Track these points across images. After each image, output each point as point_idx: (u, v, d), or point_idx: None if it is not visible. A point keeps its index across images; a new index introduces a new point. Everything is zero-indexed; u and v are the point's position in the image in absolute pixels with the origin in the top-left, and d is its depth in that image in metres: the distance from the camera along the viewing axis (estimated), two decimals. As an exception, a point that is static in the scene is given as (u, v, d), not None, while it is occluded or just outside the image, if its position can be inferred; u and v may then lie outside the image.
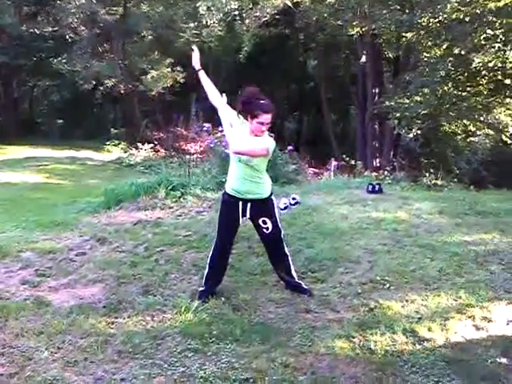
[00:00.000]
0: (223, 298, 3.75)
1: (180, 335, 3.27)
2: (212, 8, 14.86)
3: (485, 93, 12.40)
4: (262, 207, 3.69)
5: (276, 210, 3.77)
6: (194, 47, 3.91)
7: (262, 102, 3.50)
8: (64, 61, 17.94)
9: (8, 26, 18.43)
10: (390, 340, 3.22)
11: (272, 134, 7.49)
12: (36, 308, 3.58)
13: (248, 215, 3.69)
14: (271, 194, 3.76)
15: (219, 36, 16.87)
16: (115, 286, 3.99)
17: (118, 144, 16.48)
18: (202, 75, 3.83)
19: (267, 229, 3.70)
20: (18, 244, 4.84)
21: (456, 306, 3.63)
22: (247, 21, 15.17)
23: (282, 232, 3.84)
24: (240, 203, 3.66)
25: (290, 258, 3.87)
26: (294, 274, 3.88)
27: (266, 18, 15.09)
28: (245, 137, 3.56)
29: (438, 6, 11.43)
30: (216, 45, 17.84)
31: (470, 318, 3.48)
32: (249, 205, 3.65)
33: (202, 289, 3.81)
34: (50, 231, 5.41)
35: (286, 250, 3.86)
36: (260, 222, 3.70)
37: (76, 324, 3.38)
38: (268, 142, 3.54)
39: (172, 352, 3.10)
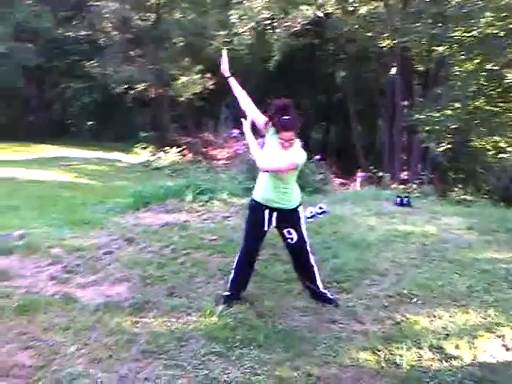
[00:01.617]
0: (248, 304, 3.73)
1: (204, 338, 3.27)
2: (244, 17, 15.01)
3: (517, 109, 12.19)
4: (288, 217, 3.68)
5: (302, 222, 3.74)
6: (224, 51, 3.91)
7: (284, 118, 3.44)
8: (96, 64, 18.33)
9: (44, 29, 18.93)
10: (416, 355, 3.17)
11: (301, 142, 7.53)
12: (64, 304, 3.63)
13: (274, 224, 3.68)
14: (299, 206, 3.73)
15: (249, 44, 17.00)
16: (141, 286, 4.01)
17: (147, 147, 16.68)
18: (233, 82, 3.83)
19: (291, 239, 3.69)
20: (48, 240, 4.91)
21: (485, 324, 3.55)
22: (278, 30, 15.27)
23: (308, 243, 3.79)
24: (266, 211, 3.65)
25: (316, 269, 3.84)
26: (319, 283, 3.84)
27: (296, 28, 15.18)
28: (274, 150, 3.55)
29: (472, 21, 11.33)
30: (246, 53, 17.98)
31: (499, 337, 3.39)
32: (275, 214, 3.64)
33: (227, 293, 3.80)
34: (78, 229, 5.49)
35: (312, 260, 3.82)
36: (285, 231, 3.69)
37: (102, 321, 3.41)
38: (297, 157, 3.51)
39: (196, 354, 3.10)
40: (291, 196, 3.66)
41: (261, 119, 3.68)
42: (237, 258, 3.83)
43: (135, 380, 2.81)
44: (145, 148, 16.45)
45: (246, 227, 3.82)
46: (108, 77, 18.07)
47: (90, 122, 21.70)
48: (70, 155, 15.38)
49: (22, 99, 21.01)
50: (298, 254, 3.80)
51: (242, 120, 3.68)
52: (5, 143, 16.61)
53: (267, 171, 3.56)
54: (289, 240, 3.71)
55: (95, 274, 4.21)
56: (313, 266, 3.81)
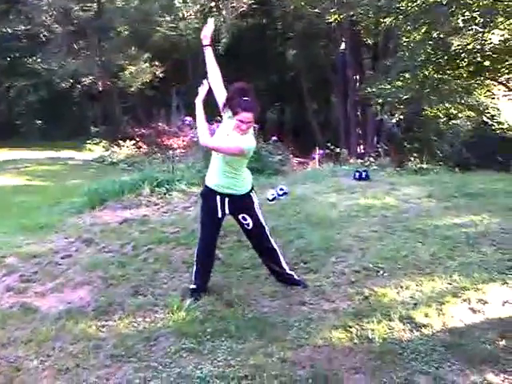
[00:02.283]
0: (215, 295, 3.67)
1: (173, 335, 3.19)
2: (188, 0, 14.68)
3: (465, 75, 12.43)
4: (241, 203, 3.62)
5: (257, 207, 3.67)
6: (211, 19, 3.72)
7: (244, 99, 3.38)
8: (39, 60, 17.62)
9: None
10: (388, 328, 3.18)
11: (255, 125, 7.45)
12: (23, 315, 3.47)
13: (227, 211, 3.62)
14: (250, 191, 3.66)
15: (196, 28, 16.68)
16: (104, 288, 3.88)
17: (100, 142, 16.26)
18: (208, 52, 3.67)
19: (248, 225, 3.64)
20: (1, 249, 4.69)
21: (451, 289, 3.60)
22: (224, 12, 15.04)
23: (267, 228, 3.74)
24: (218, 198, 3.58)
25: (279, 252, 3.80)
26: (284, 265, 3.81)
27: (243, 9, 14.99)
28: (225, 132, 3.49)
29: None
30: (194, 37, 17.64)
31: (465, 301, 3.45)
32: (227, 200, 3.58)
33: (192, 286, 3.72)
34: (33, 235, 5.27)
35: (274, 244, 3.78)
36: (240, 217, 3.64)
37: (65, 330, 3.28)
38: (244, 142, 3.42)
39: (166, 353, 3.02)
40: (241, 182, 3.60)
41: (222, 98, 3.57)
42: (196, 248, 3.75)
43: (105, 387, 2.71)
44: (98, 143, 16.03)
45: (201, 216, 3.75)
46: (52, 72, 17.42)
47: (39, 121, 20.90)
48: (19, 157, 14.78)
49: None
50: (258, 239, 3.75)
51: (198, 89, 3.55)
52: None
53: (208, 147, 3.50)
54: (245, 226, 3.66)
55: (54, 280, 4.04)
56: (275, 250, 3.77)
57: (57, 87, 18.10)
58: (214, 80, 3.65)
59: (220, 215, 3.62)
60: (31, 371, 2.83)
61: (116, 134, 16.93)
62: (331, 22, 14.48)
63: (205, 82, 3.60)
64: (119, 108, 19.05)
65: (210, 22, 3.77)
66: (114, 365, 2.91)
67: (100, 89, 18.18)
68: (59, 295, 3.81)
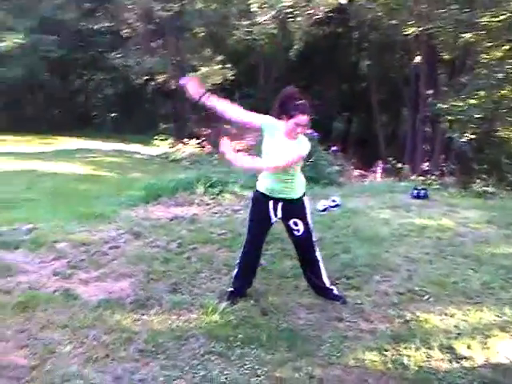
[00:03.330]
0: (252, 301, 3.64)
1: (204, 337, 3.19)
2: (264, 5, 14.76)
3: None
4: (294, 208, 3.56)
5: (308, 213, 3.62)
6: (189, 78, 3.56)
7: (299, 102, 3.35)
8: (119, 55, 18.36)
9: (68, 21, 19.06)
10: (425, 356, 3.03)
11: (316, 134, 7.35)
12: (64, 300, 3.58)
13: (279, 215, 3.56)
14: (303, 196, 3.61)
15: (271, 34, 16.77)
16: (145, 282, 3.94)
17: (166, 139, 16.66)
18: (210, 99, 3.46)
19: (298, 231, 3.57)
20: (55, 234, 4.89)
21: (499, 323, 3.37)
22: (299, 18, 14.98)
23: (314, 237, 3.68)
24: (271, 202, 3.54)
25: (321, 264, 3.71)
26: (325, 279, 3.71)
27: (318, 16, 14.84)
28: (278, 144, 3.41)
29: (502, 5, 10.89)
30: (267, 43, 17.77)
31: (514, 337, 3.22)
32: (280, 205, 3.53)
33: (230, 289, 3.71)
34: (87, 223, 5.44)
35: (318, 255, 3.70)
36: (291, 223, 3.57)
37: (101, 319, 3.35)
38: (304, 148, 3.39)
39: (195, 354, 3.02)
40: (295, 186, 3.54)
41: (257, 118, 3.50)
42: (241, 252, 3.72)
43: (130, 381, 2.74)
44: (164, 140, 16.44)
45: (250, 220, 3.70)
46: (129, 68, 18.09)
47: (112, 114, 21.82)
48: (91, 147, 15.48)
49: (46, 91, 21.24)
50: (305, 247, 3.67)
51: (221, 142, 3.26)
52: (29, 135, 16.85)
53: (279, 169, 3.40)
54: (295, 232, 3.58)
55: (99, 269, 4.16)
56: (318, 261, 3.69)
57: (132, 83, 18.79)
58: (234, 112, 3.51)
59: (273, 220, 3.58)
60: (63, 356, 2.90)
61: (183, 132, 17.32)
62: (408, 35, 14.11)
63: (223, 140, 3.29)
64: (188, 107, 19.48)
65: (192, 80, 3.57)
66: (142, 359, 2.94)
67: (172, 87, 18.66)
68: (101, 284, 3.90)
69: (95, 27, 19.33)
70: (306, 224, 3.57)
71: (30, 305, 3.44)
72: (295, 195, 3.55)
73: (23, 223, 5.20)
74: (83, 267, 4.18)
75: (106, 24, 19.81)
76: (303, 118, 3.33)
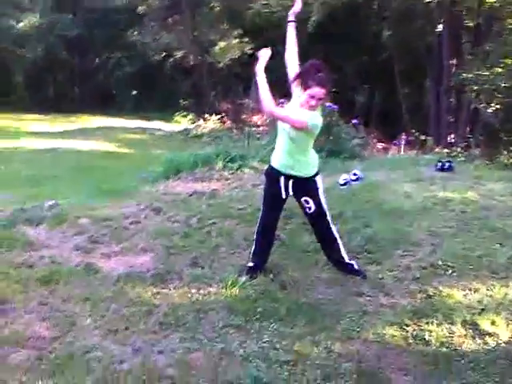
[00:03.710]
0: (271, 275, 3.61)
1: (224, 310, 3.19)
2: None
3: None
4: (305, 186, 3.51)
5: (321, 192, 3.55)
6: None
7: (319, 74, 3.27)
8: (136, 33, 18.27)
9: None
10: (448, 331, 2.97)
11: (335, 107, 7.22)
12: (86, 274, 3.63)
13: (290, 192, 3.52)
14: (316, 175, 3.53)
15: (288, 6, 16.41)
16: (165, 256, 3.96)
17: (187, 115, 16.63)
18: (290, 27, 3.60)
19: (309, 208, 3.52)
20: (77, 210, 4.93)
21: (526, 298, 3.28)
22: (317, -11, 14.64)
23: (329, 215, 3.60)
24: (282, 179, 3.49)
25: (339, 241, 3.65)
26: (344, 254, 3.66)
27: (337, -14, 14.48)
28: (294, 108, 3.38)
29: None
30: (284, 15, 17.39)
31: (540, 312, 3.13)
32: (291, 181, 3.48)
33: (250, 264, 3.69)
34: (109, 199, 5.50)
35: (335, 232, 3.64)
36: (302, 200, 3.53)
37: (122, 292, 3.38)
38: (309, 117, 3.28)
39: (214, 327, 3.03)
40: (306, 164, 3.49)
41: (294, 72, 3.47)
42: (257, 227, 3.70)
43: (149, 353, 2.76)
44: (185, 116, 16.42)
45: (264, 195, 3.70)
46: (147, 45, 18.02)
47: (133, 92, 21.82)
48: (112, 125, 15.61)
49: (65, 71, 21.35)
50: (318, 224, 3.64)
51: (259, 53, 3.44)
52: (50, 115, 17.03)
53: (271, 114, 3.41)
54: (307, 209, 3.55)
55: (120, 243, 4.19)
56: (335, 238, 3.64)
57: (150, 60, 18.72)
58: (291, 57, 3.56)
59: (284, 196, 3.54)
60: (84, 328, 2.95)
61: (203, 108, 17.23)
62: (430, 2, 13.66)
63: (264, 50, 3.46)
64: (208, 83, 19.36)
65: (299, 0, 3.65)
66: (161, 332, 2.96)
67: (191, 63, 18.53)
68: (122, 258, 3.94)
69: (111, 5, 19.24)
70: (317, 202, 3.51)
71: (53, 278, 3.51)
72: (307, 173, 3.49)
73: (46, 199, 5.27)
74: (104, 242, 4.22)
75: (123, 1, 19.69)
76: (318, 91, 3.26)
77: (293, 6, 3.72)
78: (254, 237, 3.74)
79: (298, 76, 3.38)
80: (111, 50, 20.55)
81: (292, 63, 3.54)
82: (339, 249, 3.65)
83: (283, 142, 3.46)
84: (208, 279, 3.60)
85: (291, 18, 3.63)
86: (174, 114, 16.85)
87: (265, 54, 3.41)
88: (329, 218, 3.61)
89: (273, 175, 3.58)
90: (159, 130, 15.43)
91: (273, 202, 3.62)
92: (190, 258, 3.94)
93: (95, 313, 3.11)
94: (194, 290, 3.44)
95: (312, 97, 3.26)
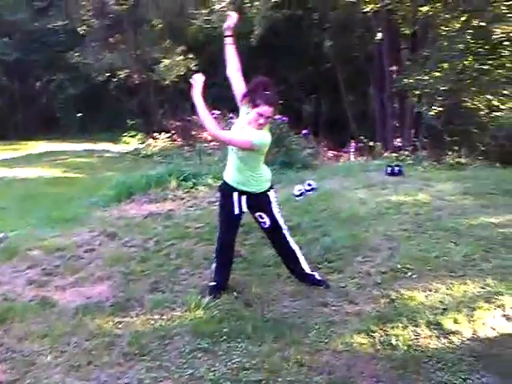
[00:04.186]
0: (235, 293, 3.57)
1: (189, 334, 3.12)
2: (221, -9, 14.55)
3: (508, 65, 11.89)
4: (257, 202, 3.51)
5: (274, 206, 3.54)
6: (233, 13, 3.64)
7: (266, 93, 3.30)
8: (77, 54, 17.92)
9: (20, 21, 18.48)
10: (413, 334, 3.01)
11: (285, 119, 7.30)
12: (41, 309, 3.47)
13: (244, 208, 3.51)
14: (269, 190, 3.54)
15: (231, 21, 16.53)
16: (123, 283, 3.85)
17: (136, 135, 16.39)
18: (229, 43, 3.58)
19: (264, 223, 3.53)
20: (27, 242, 4.73)
21: (484, 294, 3.38)
22: (257, 3, 14.84)
23: (285, 229, 3.61)
24: (235, 194, 3.48)
25: (298, 253, 3.66)
26: (304, 266, 3.67)
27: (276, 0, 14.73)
28: (241, 126, 3.40)
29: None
30: (227, 30, 17.51)
31: (499, 307, 3.22)
32: (244, 197, 3.47)
33: (212, 284, 3.64)
34: (60, 227, 5.31)
35: (293, 245, 3.65)
36: (257, 215, 3.55)
37: (82, 325, 3.25)
38: (255, 137, 3.29)
39: (181, 353, 2.95)
40: (258, 180, 3.48)
41: (241, 90, 3.47)
42: (216, 245, 3.66)
43: (116, 386, 2.65)
44: (133, 136, 16.16)
45: (219, 212, 3.67)
46: (90, 66, 17.69)
47: (77, 114, 21.32)
48: (58, 149, 15.14)
49: (5, 97, 20.62)
50: (275, 237, 3.64)
51: (193, 77, 3.39)
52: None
53: (214, 137, 3.43)
54: (262, 224, 3.55)
55: (75, 274, 4.03)
56: (294, 251, 3.64)
57: (94, 81, 18.37)
58: (233, 72, 3.56)
59: (237, 211, 3.51)
60: (44, 367, 2.80)
61: (151, 127, 17.03)
62: (367, 12, 14.12)
63: (197, 75, 3.42)
64: (155, 101, 19.18)
65: (233, 14, 3.67)
66: (126, 363, 2.85)
67: (136, 82, 18.33)
68: (79, 289, 3.79)
69: (49, 26, 18.80)
70: (271, 217, 3.52)
71: (6, 317, 3.33)
72: (259, 188, 3.49)
73: (-6, 232, 5.02)
74: (59, 273, 4.05)
75: (61, 22, 19.28)
76: (266, 109, 3.28)
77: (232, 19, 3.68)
78: (214, 255, 3.69)
79: (246, 94, 3.38)
80: (52, 72, 20.01)
81: (235, 78, 3.54)
82: (299, 261, 3.65)
83: (233, 159, 3.46)
84: (170, 303, 3.51)
85: (227, 32, 3.60)
86: (121, 135, 16.56)
87: (198, 80, 3.37)
88: (285, 231, 3.61)
89: (226, 191, 3.56)
90: (107, 151, 15.09)
91: (228, 219, 3.59)
92: (149, 283, 3.84)
93: (55, 349, 2.96)
94: (156, 316, 3.35)
95: (261, 115, 3.28)
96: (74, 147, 15.46)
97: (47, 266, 4.19)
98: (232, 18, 3.63)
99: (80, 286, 3.84)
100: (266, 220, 3.51)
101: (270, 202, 3.52)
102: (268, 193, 3.52)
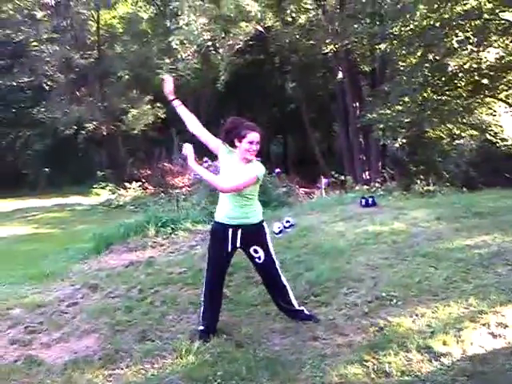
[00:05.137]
0: (225, 335, 3.55)
1: (183, 380, 3.06)
2: (185, 41, 14.94)
3: (464, 95, 12.48)
4: (253, 235, 3.55)
5: (268, 239, 3.61)
6: (165, 76, 3.77)
7: (247, 123, 3.45)
8: (43, 109, 17.94)
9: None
10: (405, 359, 3.05)
11: (258, 158, 7.43)
12: (28, 368, 3.35)
13: (238, 244, 3.53)
14: (263, 221, 3.61)
15: (195, 68, 16.94)
16: (110, 335, 3.76)
17: (106, 186, 16.29)
18: (177, 104, 3.67)
19: (259, 258, 3.55)
20: (7, 301, 4.60)
21: (468, 314, 3.47)
22: (221, 50, 15.27)
23: (277, 263, 3.66)
24: (230, 231, 3.50)
25: (288, 288, 3.69)
26: (293, 301, 3.69)
27: (239, 46, 15.20)
28: (232, 167, 3.45)
29: (408, 15, 11.58)
30: (193, 77, 17.90)
31: (484, 325, 3.32)
32: (239, 233, 3.50)
33: (201, 328, 3.61)
34: (39, 283, 5.18)
35: (284, 280, 3.68)
36: (251, 251, 3.55)
37: (71, 381, 3.15)
38: (257, 170, 3.43)
39: (175, 401, 2.89)
40: (254, 210, 3.55)
41: (213, 140, 3.56)
42: (203, 288, 3.64)
43: None
44: (104, 187, 16.06)
45: (210, 253, 3.65)
46: (56, 120, 17.70)
47: (45, 169, 21.11)
48: (27, 206, 14.91)
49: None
50: (268, 274, 3.65)
51: (184, 147, 3.49)
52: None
53: (233, 191, 3.42)
54: (256, 259, 3.57)
55: (60, 329, 3.93)
56: (285, 286, 3.67)
57: (61, 135, 18.35)
58: (196, 128, 3.62)
59: (230, 249, 3.53)
60: (36, 429, 2.71)
61: (122, 177, 17.01)
62: (327, 53, 14.69)
63: (185, 145, 3.51)
64: (124, 151, 19.24)
65: (168, 78, 3.75)
66: (121, 417, 2.79)
67: (104, 133, 18.39)
68: (65, 345, 3.69)
69: (14, 83, 18.84)
70: (266, 250, 3.55)
71: (-9, 380, 3.20)
72: (255, 219, 3.54)
73: (-31, 295, 4.87)
74: (43, 330, 3.93)
75: (25, 79, 19.35)
76: (254, 135, 3.39)
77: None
78: (202, 298, 3.67)
79: (227, 134, 3.46)
80: (18, 129, 19.91)
81: (200, 133, 3.59)
82: (289, 296, 3.67)
83: (229, 197, 3.48)
84: (160, 351, 3.45)
85: (170, 97, 3.67)
86: (92, 187, 16.45)
87: (189, 149, 3.45)
88: (277, 265, 3.65)
89: (219, 230, 3.56)
90: (79, 204, 14.94)
91: (220, 259, 3.59)
92: (137, 333, 3.77)
93: (46, 409, 2.87)
94: (147, 366, 3.28)
95: (251, 142, 3.37)
96: (44, 203, 15.28)
97: (30, 323, 4.07)
98: (168, 82, 3.69)
99: (66, 342, 3.74)
100: (261, 254, 3.53)
101: (265, 234, 3.57)
102: (263, 223, 3.59)
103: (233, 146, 3.46)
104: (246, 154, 3.41)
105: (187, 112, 3.66)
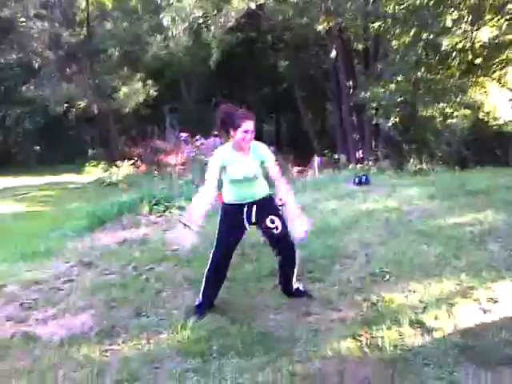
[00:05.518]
0: (220, 311, 3.58)
1: (179, 355, 3.10)
2: (176, 18, 14.71)
3: (457, 74, 12.45)
4: (268, 206, 3.57)
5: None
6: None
7: (241, 111, 3.46)
8: (33, 87, 17.70)
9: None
10: (398, 334, 3.10)
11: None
12: (24, 344, 3.37)
13: (253, 219, 3.54)
14: (272, 194, 3.65)
15: (187, 46, 16.73)
16: (106, 311, 3.79)
17: (98, 164, 16.26)
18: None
19: (276, 228, 3.53)
20: (1, 278, 4.61)
21: (460, 290, 3.53)
22: (213, 28, 15.06)
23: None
24: (245, 209, 3.52)
25: (297, 260, 3.71)
26: (295, 276, 3.72)
27: (231, 24, 14.98)
28: (243, 164, 3.44)
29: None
30: (184, 55, 17.70)
31: (475, 301, 3.38)
32: (254, 208, 3.52)
33: (197, 303, 3.64)
34: (33, 261, 5.18)
35: (298, 255, 3.71)
36: (268, 222, 3.52)
37: (68, 357, 3.18)
38: (269, 153, 3.56)
39: (172, 375, 2.93)
40: (264, 185, 3.62)
41: (215, 173, 3.44)
42: (209, 265, 3.62)
43: (109, 415, 2.62)
44: (96, 165, 16.04)
45: (221, 230, 3.58)
46: (47, 98, 17.49)
47: (36, 147, 20.94)
48: (19, 184, 14.81)
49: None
50: (285, 242, 3.59)
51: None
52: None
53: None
54: (274, 230, 3.53)
55: (55, 306, 3.95)
56: (296, 258, 3.69)
57: (52, 112, 18.16)
58: (208, 199, 3.43)
59: (247, 226, 3.55)
60: (34, 403, 2.74)
61: (114, 155, 16.94)
62: (320, 31, 14.53)
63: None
64: (115, 129, 19.08)
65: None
66: (118, 390, 2.82)
67: (95, 111, 18.21)
68: (61, 321, 3.71)
69: (2, 61, 18.55)
70: (282, 219, 3.55)
71: (-12, 356, 3.22)
72: (266, 193, 3.61)
73: (-37, 273, 4.87)
74: (38, 307, 3.95)
75: (14, 56, 19.05)
76: (249, 123, 3.38)
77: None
78: (205, 275, 3.63)
79: (222, 125, 3.46)
80: (8, 106, 19.65)
81: (212, 189, 3.43)
82: (295, 270, 3.69)
83: (241, 183, 3.49)
84: (156, 327, 3.49)
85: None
86: (84, 165, 16.38)
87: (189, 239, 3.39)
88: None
89: (233, 210, 3.54)
90: (71, 182, 14.88)
91: (233, 237, 3.57)
92: (132, 309, 3.80)
93: None
94: (143, 341, 3.31)
95: (246, 132, 3.37)
96: (35, 181, 15.17)
97: (25, 300, 4.09)
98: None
99: (62, 318, 3.76)
100: (278, 224, 3.52)
101: (277, 206, 3.59)
102: (273, 196, 3.63)
103: (228, 133, 3.47)
104: (241, 143, 3.41)
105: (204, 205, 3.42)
